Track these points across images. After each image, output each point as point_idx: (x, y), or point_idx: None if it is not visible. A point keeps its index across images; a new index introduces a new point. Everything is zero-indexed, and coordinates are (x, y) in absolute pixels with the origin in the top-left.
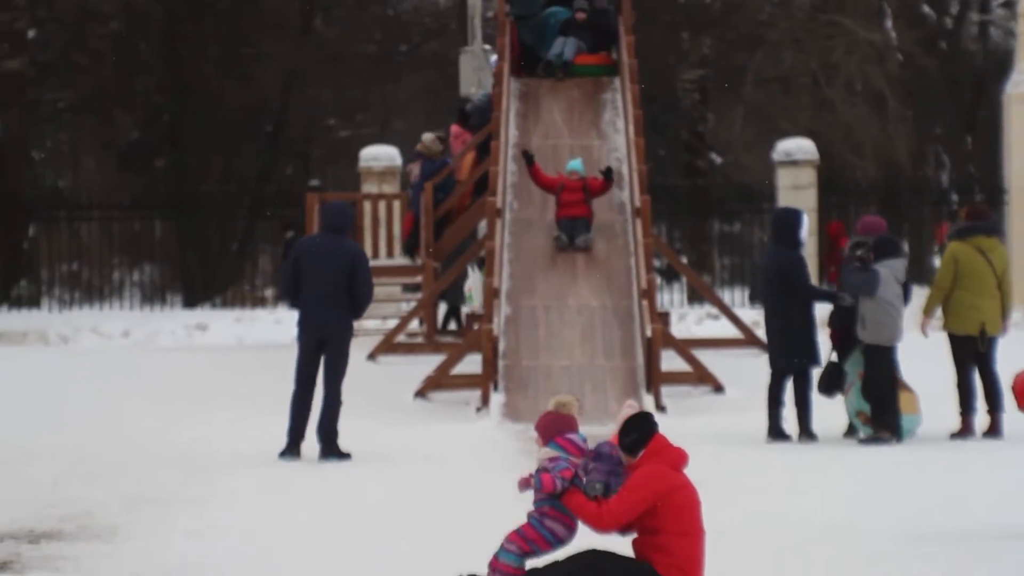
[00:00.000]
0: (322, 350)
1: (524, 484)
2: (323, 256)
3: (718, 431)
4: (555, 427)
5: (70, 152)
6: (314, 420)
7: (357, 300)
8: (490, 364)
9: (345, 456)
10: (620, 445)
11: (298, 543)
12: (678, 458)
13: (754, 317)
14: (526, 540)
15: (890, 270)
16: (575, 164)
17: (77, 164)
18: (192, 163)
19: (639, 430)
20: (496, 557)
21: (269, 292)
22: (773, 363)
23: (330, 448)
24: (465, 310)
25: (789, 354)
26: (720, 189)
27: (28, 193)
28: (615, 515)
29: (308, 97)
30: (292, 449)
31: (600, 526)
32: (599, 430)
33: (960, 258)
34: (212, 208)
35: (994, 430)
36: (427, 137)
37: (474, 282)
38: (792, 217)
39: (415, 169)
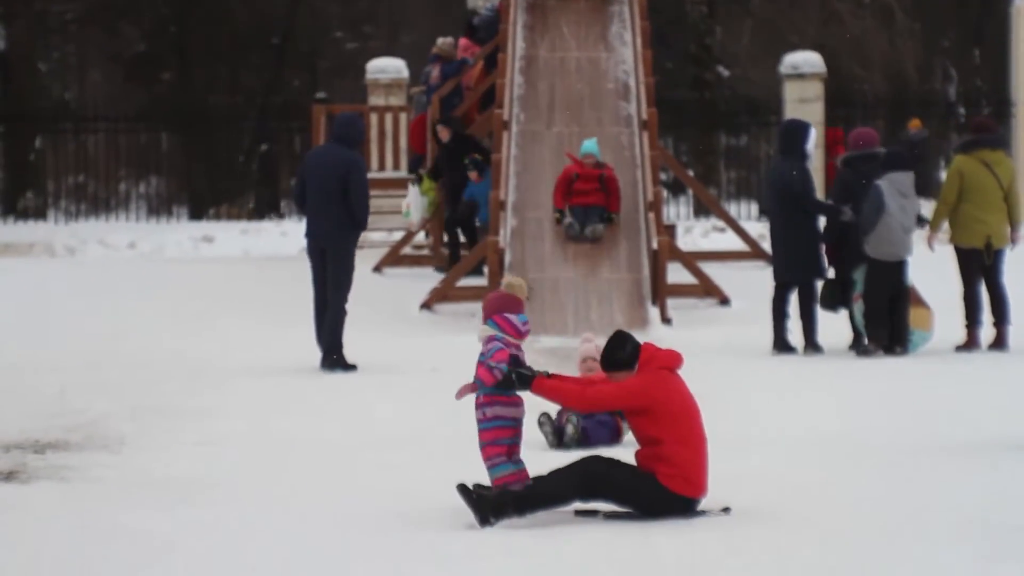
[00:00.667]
0: (324, 257)
1: (466, 390)
2: (323, 166)
3: (724, 343)
4: (497, 305)
5: (76, 64)
6: None
7: (352, 209)
8: (496, 277)
9: (351, 368)
10: (612, 364)
11: (303, 453)
12: (672, 359)
13: (760, 230)
14: (498, 443)
15: (891, 183)
16: (590, 146)
17: (83, 76)
18: (199, 75)
19: (625, 345)
20: (493, 476)
21: (250, 206)
22: (777, 276)
23: (333, 359)
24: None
25: (794, 267)
26: (727, 102)
27: (34, 105)
28: (600, 400)
29: (315, 9)
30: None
31: (578, 405)
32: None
33: (965, 172)
34: (219, 121)
35: (1000, 343)
36: (443, 40)
37: (411, 198)
38: (799, 129)
39: (435, 71)
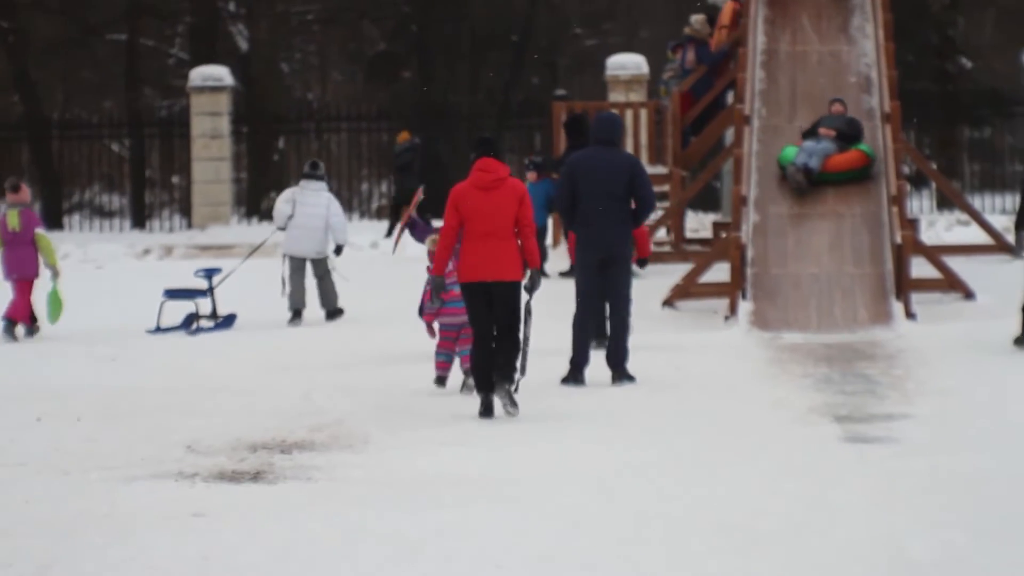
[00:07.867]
0: (604, 269)
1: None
2: (600, 170)
3: (969, 338)
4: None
5: (318, 64)
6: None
7: (641, 209)
8: (738, 272)
9: (631, 379)
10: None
11: (548, 457)
12: (477, 179)
13: (1005, 223)
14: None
15: None
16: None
17: (325, 76)
18: (439, 74)
19: (482, 147)
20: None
21: None
22: None
23: (622, 372)
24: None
25: None
26: (970, 94)
27: (277, 106)
28: (443, 228)
29: (554, 6)
30: (578, 376)
31: (443, 236)
32: (848, 338)
33: None
34: (459, 118)
35: None
36: (696, 19)
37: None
38: None
39: (690, 53)
